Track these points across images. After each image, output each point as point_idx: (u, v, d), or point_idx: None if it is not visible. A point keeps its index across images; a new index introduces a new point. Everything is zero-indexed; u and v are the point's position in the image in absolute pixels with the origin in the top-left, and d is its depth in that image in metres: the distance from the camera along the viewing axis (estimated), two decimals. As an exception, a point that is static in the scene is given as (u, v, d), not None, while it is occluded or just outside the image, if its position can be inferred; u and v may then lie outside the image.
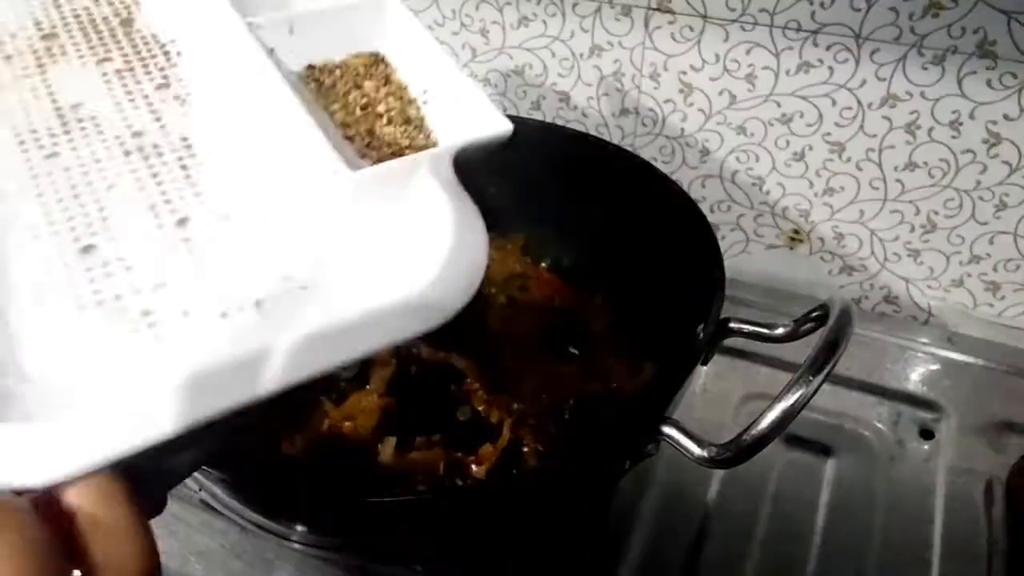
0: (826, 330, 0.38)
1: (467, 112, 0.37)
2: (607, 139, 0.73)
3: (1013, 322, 0.68)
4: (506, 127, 0.36)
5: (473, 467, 0.53)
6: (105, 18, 0.38)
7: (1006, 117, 0.58)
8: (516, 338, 0.60)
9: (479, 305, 0.62)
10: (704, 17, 0.63)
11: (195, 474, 0.42)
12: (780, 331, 0.45)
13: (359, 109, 0.37)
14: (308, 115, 0.34)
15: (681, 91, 0.68)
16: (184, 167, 0.35)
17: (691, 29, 0.64)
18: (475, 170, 0.64)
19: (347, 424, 0.53)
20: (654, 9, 0.64)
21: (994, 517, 0.55)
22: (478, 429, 0.55)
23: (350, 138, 0.36)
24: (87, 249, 0.32)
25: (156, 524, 0.54)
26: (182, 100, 0.36)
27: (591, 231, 0.64)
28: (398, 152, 0.36)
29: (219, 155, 0.35)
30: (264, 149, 0.35)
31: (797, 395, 0.36)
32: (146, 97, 0.36)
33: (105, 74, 0.36)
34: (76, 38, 0.37)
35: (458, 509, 0.41)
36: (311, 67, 0.39)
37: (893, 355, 0.67)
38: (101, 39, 0.38)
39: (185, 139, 0.35)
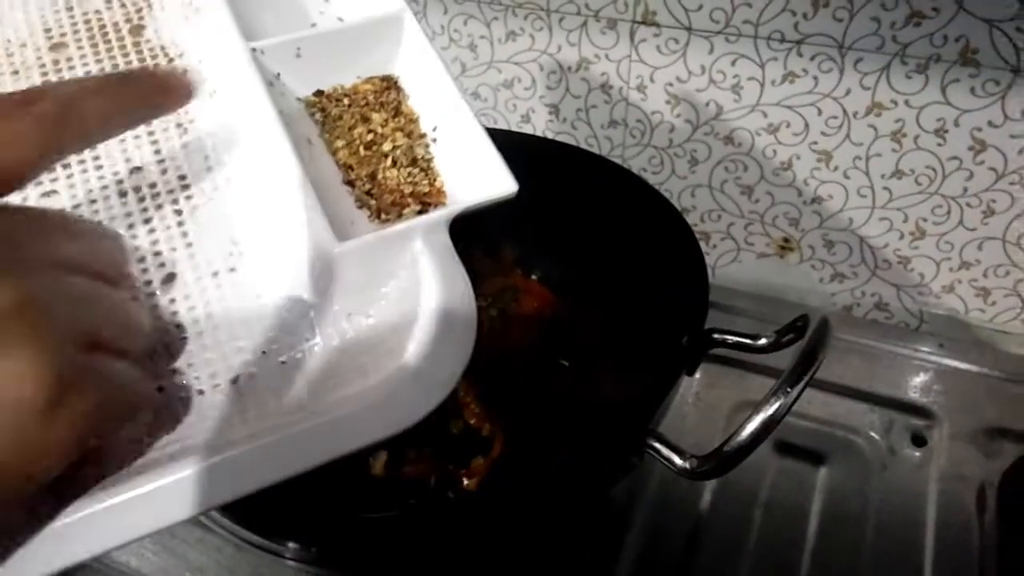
0: (804, 341, 0.38)
1: (473, 164, 0.35)
2: (597, 151, 0.74)
3: (1004, 327, 0.69)
4: (511, 189, 0.33)
5: (465, 480, 0.53)
6: (115, 23, 0.36)
7: (990, 124, 0.59)
8: (507, 350, 0.60)
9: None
10: (688, 29, 0.63)
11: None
12: (763, 341, 0.45)
13: (363, 148, 0.35)
14: (299, 165, 0.32)
15: (668, 102, 0.68)
16: (178, 211, 0.32)
17: (676, 41, 0.64)
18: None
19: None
20: (639, 22, 0.65)
21: (986, 523, 0.55)
22: (470, 442, 0.55)
23: (351, 182, 0.34)
24: None
25: (153, 541, 0.54)
26: (184, 129, 0.34)
27: (581, 243, 0.64)
28: (400, 201, 0.34)
29: (213, 199, 0.33)
30: (255, 199, 0.33)
31: (776, 405, 0.36)
32: (147, 126, 0.34)
33: None
34: (84, 49, 0.35)
35: (447, 522, 0.42)
36: (319, 93, 0.37)
37: (885, 362, 0.67)
38: (109, 49, 0.35)
39: (183, 178, 0.33)
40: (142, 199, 0.32)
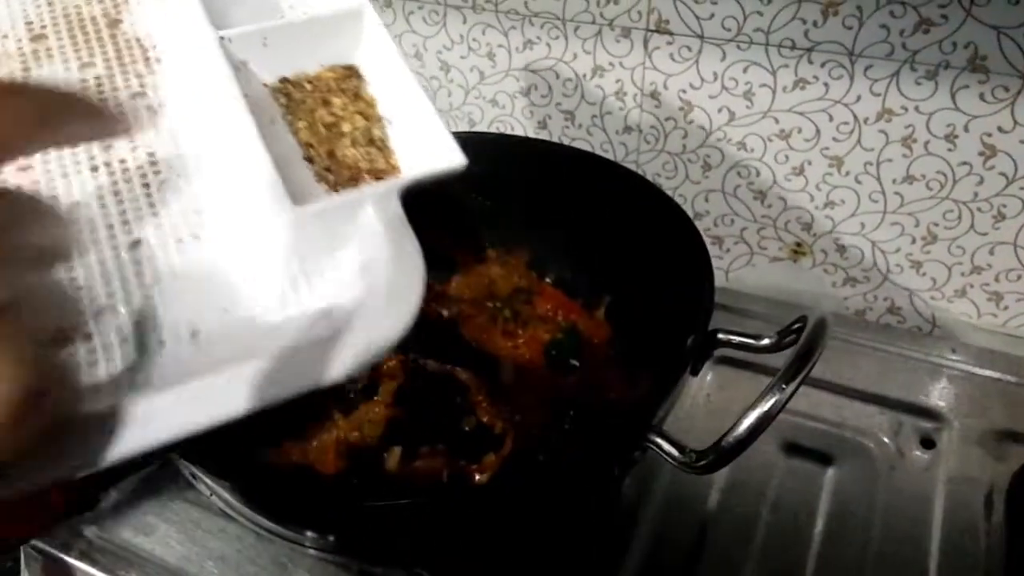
0: (801, 341, 0.39)
1: (425, 140, 0.38)
2: (612, 156, 0.75)
3: (1017, 332, 0.69)
4: (460, 162, 0.36)
5: (476, 476, 0.54)
6: (94, 17, 0.39)
7: (1000, 129, 0.59)
8: (519, 351, 0.62)
9: (484, 319, 0.64)
10: (701, 37, 0.65)
11: (208, 481, 0.44)
12: (766, 341, 0.46)
13: (324, 128, 0.38)
14: (260, 139, 0.34)
15: (681, 109, 0.69)
16: (146, 185, 0.35)
17: (689, 49, 0.66)
18: (482, 187, 0.67)
19: (355, 434, 0.55)
20: (652, 31, 0.66)
21: (993, 526, 0.56)
22: (482, 439, 0.57)
23: (310, 159, 0.37)
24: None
25: (174, 529, 0.57)
26: (154, 112, 0.36)
27: (593, 246, 0.65)
28: (356, 176, 0.36)
29: (180, 174, 0.35)
30: (219, 173, 0.35)
31: (772, 402, 0.37)
32: (119, 106, 0.36)
33: (84, 80, 0.37)
34: (63, 40, 0.38)
35: (458, 510, 0.43)
36: (284, 80, 0.39)
37: (896, 365, 0.67)
38: (87, 41, 0.38)
39: (151, 155, 0.35)
40: (112, 173, 0.35)
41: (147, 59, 0.38)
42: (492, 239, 0.70)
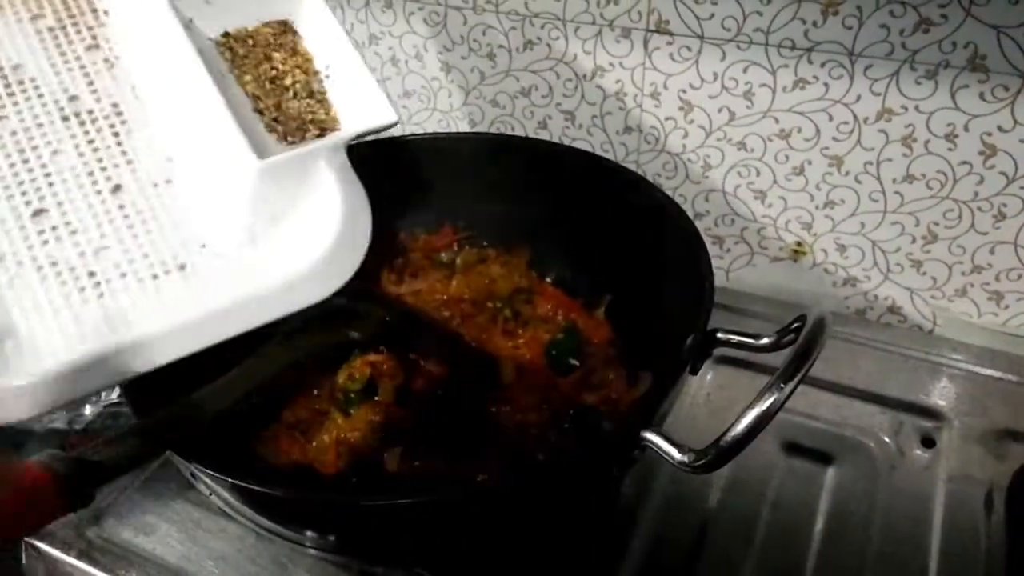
0: (799, 340, 0.39)
1: (361, 97, 0.41)
2: (612, 156, 0.75)
3: (1017, 331, 0.69)
4: (392, 118, 0.40)
5: (477, 476, 0.54)
6: None
7: (1000, 129, 0.59)
8: (519, 351, 0.62)
9: (485, 319, 0.64)
10: (701, 38, 0.65)
11: (208, 481, 0.44)
12: (765, 341, 0.46)
13: (268, 82, 0.41)
14: (221, 96, 0.38)
15: (681, 109, 0.70)
16: (116, 134, 0.39)
17: (689, 49, 0.66)
18: (487, 186, 0.67)
19: (355, 434, 0.55)
20: (652, 31, 0.66)
21: (993, 525, 0.56)
22: (482, 439, 0.57)
23: (260, 111, 0.40)
24: (38, 213, 0.37)
25: (175, 529, 0.57)
26: (111, 64, 0.39)
27: (593, 246, 0.65)
28: (302, 126, 0.40)
29: (145, 124, 0.39)
30: (183, 124, 0.39)
31: (770, 401, 0.37)
32: (78, 59, 0.39)
33: (39, 31, 0.39)
34: (16, 3, 0.40)
35: (456, 513, 0.43)
36: (227, 35, 0.42)
37: (897, 365, 0.68)
38: (40, 5, 0.40)
39: (116, 105, 0.39)
40: (83, 123, 0.38)
41: (95, 11, 0.40)
42: (492, 239, 0.70)
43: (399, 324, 0.56)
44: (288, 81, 0.41)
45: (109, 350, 0.35)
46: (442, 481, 0.53)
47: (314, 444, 0.55)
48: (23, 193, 0.37)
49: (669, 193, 0.61)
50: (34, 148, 0.37)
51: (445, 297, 0.66)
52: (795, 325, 0.43)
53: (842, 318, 0.73)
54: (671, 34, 0.66)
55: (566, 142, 0.77)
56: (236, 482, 0.41)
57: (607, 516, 0.58)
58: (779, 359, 0.40)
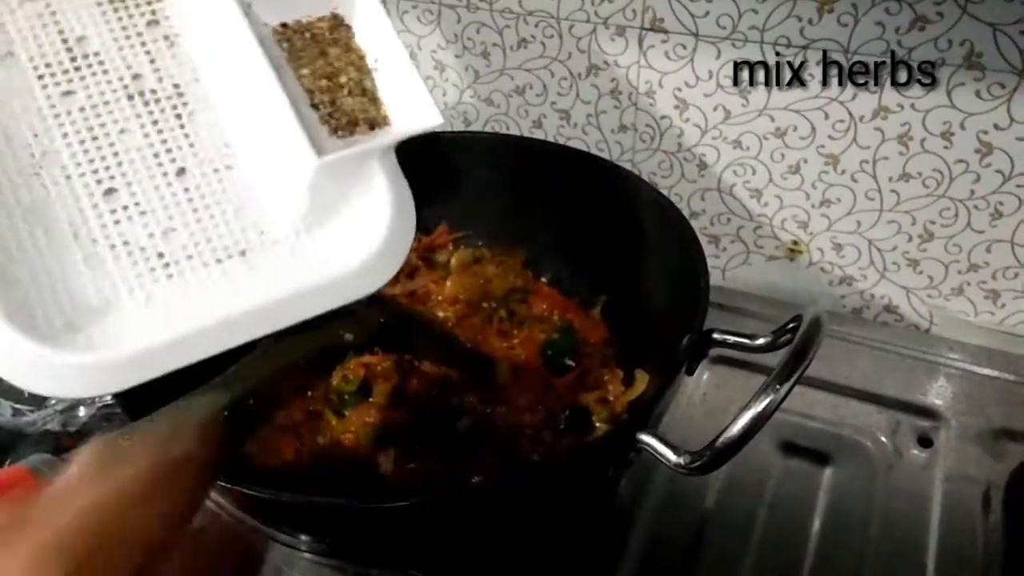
0: (795, 340, 0.39)
1: (408, 96, 0.42)
2: (607, 155, 0.75)
3: (1014, 330, 0.69)
4: (439, 120, 0.41)
5: (472, 477, 0.54)
6: None
7: (996, 127, 0.59)
8: (515, 351, 0.61)
9: (480, 319, 0.64)
10: (696, 35, 0.64)
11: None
12: (761, 341, 0.46)
13: (324, 79, 0.41)
14: (281, 88, 0.39)
15: (677, 107, 0.69)
16: (179, 116, 0.39)
17: (684, 47, 0.65)
18: (481, 186, 0.66)
19: (349, 436, 0.55)
20: (647, 29, 0.66)
21: (991, 525, 0.56)
22: (477, 440, 0.56)
23: (315, 105, 0.40)
24: (109, 192, 0.38)
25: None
26: (171, 42, 0.40)
27: (589, 245, 0.65)
28: (354, 122, 0.41)
29: (206, 108, 0.40)
30: (242, 111, 0.40)
31: (766, 402, 0.37)
32: (139, 35, 0.39)
33: (100, 4, 0.39)
34: None
35: (452, 515, 0.43)
36: (284, 26, 0.42)
37: (893, 364, 0.67)
38: None
39: (177, 87, 0.39)
40: (147, 103, 0.39)
41: None
42: (487, 239, 0.69)
43: (394, 325, 0.55)
44: (343, 79, 0.42)
45: (179, 333, 0.36)
46: (437, 482, 0.53)
47: (308, 446, 0.55)
48: (94, 171, 0.38)
49: (665, 192, 0.60)
50: (102, 126, 0.38)
51: (440, 297, 0.66)
52: (791, 325, 0.43)
53: (838, 317, 0.73)
54: (666, 32, 0.65)
55: (561, 141, 0.77)
56: (230, 486, 0.41)
57: (604, 517, 0.58)
58: (776, 359, 0.40)
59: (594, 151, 0.75)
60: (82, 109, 0.38)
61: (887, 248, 0.69)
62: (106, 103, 0.38)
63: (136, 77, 0.39)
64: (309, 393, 0.58)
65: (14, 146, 0.37)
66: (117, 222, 0.38)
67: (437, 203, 0.69)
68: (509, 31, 0.72)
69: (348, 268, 0.39)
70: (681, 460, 0.39)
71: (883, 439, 0.62)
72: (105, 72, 0.39)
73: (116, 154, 0.38)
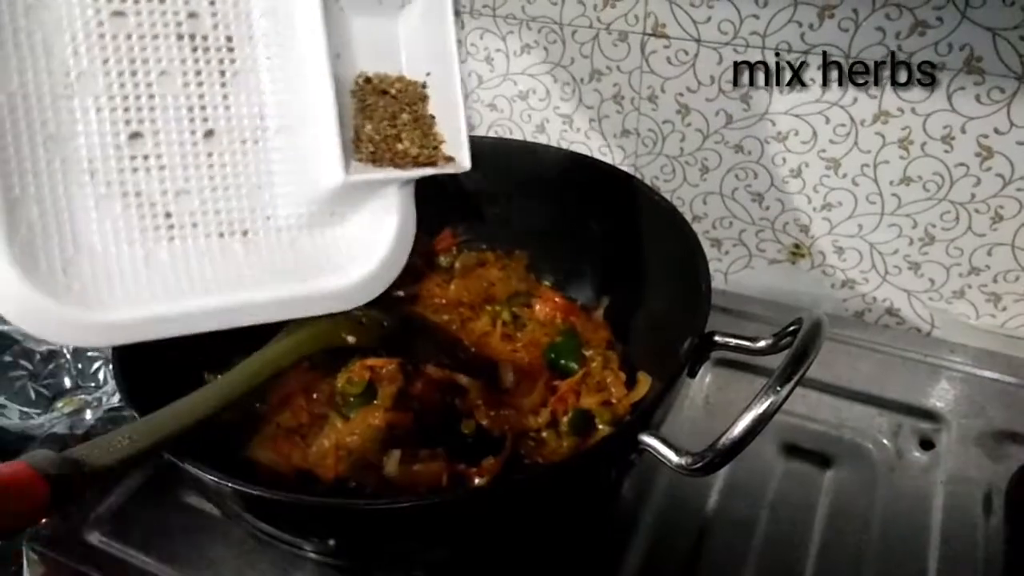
0: (796, 343, 0.39)
1: (448, 139, 0.42)
2: (610, 160, 0.76)
3: (1015, 332, 0.69)
4: (467, 167, 0.42)
5: (476, 479, 0.54)
6: None
7: (996, 131, 0.60)
8: (518, 354, 0.62)
9: (483, 322, 0.64)
10: (698, 41, 0.65)
11: (208, 486, 0.45)
12: (762, 344, 0.46)
13: (383, 139, 0.41)
14: (333, 94, 0.38)
15: (679, 112, 0.70)
16: (223, 72, 0.38)
17: (686, 53, 0.66)
18: (485, 190, 0.67)
19: (354, 438, 0.55)
20: (649, 35, 0.66)
21: (992, 527, 0.56)
22: (481, 442, 0.57)
23: (357, 144, 0.40)
24: (135, 136, 0.37)
25: (174, 534, 0.57)
26: None
27: (591, 249, 0.66)
28: (402, 156, 0.41)
29: (252, 71, 0.39)
30: (286, 89, 0.39)
31: (767, 404, 0.37)
32: None
33: None
34: None
35: (455, 516, 0.43)
36: (366, 80, 0.42)
37: (895, 367, 0.68)
38: None
39: (229, 39, 0.38)
40: (195, 48, 0.38)
41: None
42: (491, 243, 0.70)
43: (398, 328, 0.56)
44: (403, 143, 0.42)
45: (168, 304, 0.37)
46: (441, 485, 0.54)
47: (313, 449, 0.55)
48: (126, 109, 0.37)
49: (667, 196, 0.61)
50: (144, 61, 0.37)
51: (444, 301, 0.66)
52: (792, 328, 0.43)
53: (840, 320, 0.73)
54: (668, 37, 0.66)
55: (564, 145, 0.78)
56: (236, 487, 0.41)
57: (606, 518, 0.58)
58: (777, 361, 0.41)
59: (597, 155, 0.75)
60: (129, 36, 0.36)
61: (888, 251, 0.69)
62: (155, 36, 0.37)
63: (192, 16, 0.38)
64: (314, 396, 0.58)
65: (52, 61, 0.35)
66: (135, 170, 0.37)
67: (441, 207, 0.70)
68: (512, 37, 0.73)
69: (338, 280, 0.40)
70: (683, 461, 0.39)
71: (884, 441, 0.62)
72: (162, 2, 0.37)
73: (152, 96, 0.37)
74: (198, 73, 0.38)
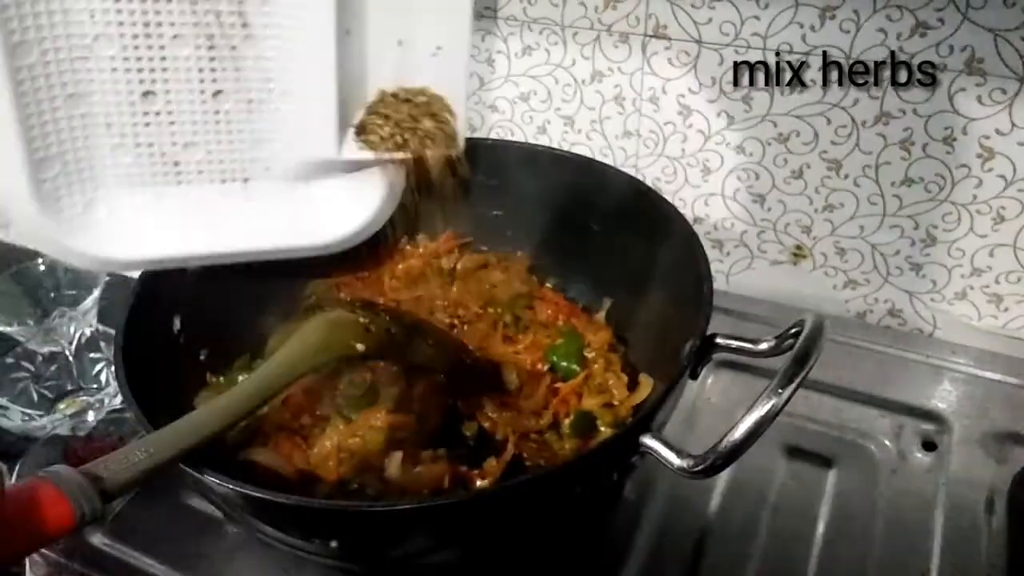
0: (797, 345, 0.39)
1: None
2: (611, 161, 0.76)
3: (1017, 334, 0.69)
4: (458, 150, 0.46)
5: (478, 481, 0.55)
6: None
7: (998, 132, 0.60)
8: (520, 356, 0.62)
9: (486, 325, 0.64)
10: (699, 42, 0.65)
11: (211, 488, 0.45)
12: (764, 346, 0.46)
13: (401, 129, 0.44)
14: (336, 83, 0.41)
15: (680, 113, 0.70)
16: (233, 36, 0.41)
17: (687, 54, 0.66)
18: (486, 192, 0.67)
19: (356, 440, 0.55)
20: (651, 36, 0.66)
21: (995, 528, 0.56)
22: (483, 444, 0.57)
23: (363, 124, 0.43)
24: (147, 95, 0.41)
25: (178, 537, 0.57)
26: None
27: (593, 250, 0.66)
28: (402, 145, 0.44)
29: (262, 39, 0.42)
30: (295, 63, 0.42)
31: (769, 406, 0.37)
32: None
33: None
34: None
35: (457, 518, 0.43)
36: (383, 94, 0.44)
37: (897, 368, 0.68)
38: None
39: (242, 5, 0.41)
40: (207, 12, 0.41)
41: None
42: (492, 245, 0.70)
43: (404, 336, 0.56)
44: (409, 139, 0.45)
45: (175, 230, 0.43)
46: (443, 487, 0.54)
47: (315, 450, 0.55)
48: (139, 70, 0.41)
49: (668, 197, 0.61)
50: (159, 24, 0.40)
51: (446, 303, 0.66)
52: (794, 330, 0.43)
53: (842, 321, 0.73)
54: (669, 39, 0.66)
55: (565, 147, 0.77)
56: (240, 489, 0.41)
57: (609, 520, 0.58)
58: (779, 363, 0.41)
59: (598, 157, 0.75)
60: (143, 4, 0.39)
61: (890, 252, 0.69)
62: (168, 0, 0.40)
63: None
64: (316, 397, 0.58)
65: (69, 22, 0.39)
66: (147, 124, 0.42)
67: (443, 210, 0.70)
68: (514, 38, 0.73)
69: (322, 231, 0.45)
70: (685, 463, 0.39)
71: (887, 443, 0.62)
72: None
73: (164, 59, 0.40)
74: (210, 36, 0.41)
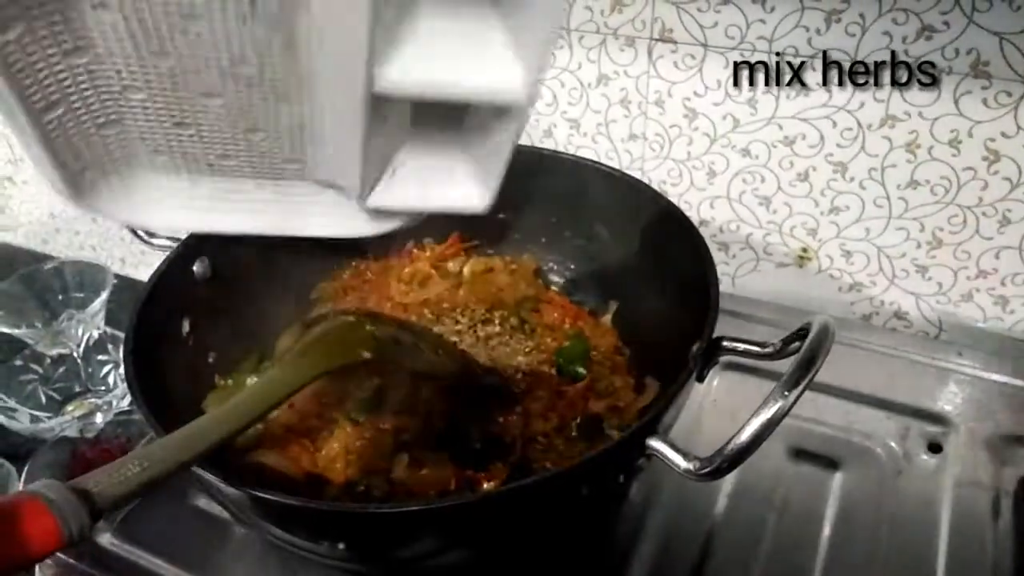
0: (804, 348, 0.40)
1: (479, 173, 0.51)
2: (617, 164, 0.76)
3: (1023, 335, 0.69)
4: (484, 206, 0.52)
5: (484, 484, 0.55)
6: None
7: (1004, 135, 0.60)
8: (526, 359, 0.62)
9: (492, 328, 0.65)
10: (704, 46, 0.65)
11: (218, 489, 0.45)
12: (770, 348, 0.47)
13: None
14: (362, 152, 0.44)
15: (686, 116, 0.70)
16: (267, 95, 0.44)
17: (693, 57, 0.66)
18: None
19: (363, 442, 0.56)
20: (656, 39, 0.67)
21: (1001, 531, 0.56)
22: (489, 447, 0.57)
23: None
24: (180, 124, 0.46)
25: (185, 537, 0.57)
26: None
27: (599, 253, 0.66)
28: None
29: (298, 107, 0.45)
30: (327, 113, 0.45)
31: (776, 408, 0.37)
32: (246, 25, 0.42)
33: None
34: None
35: (464, 520, 0.44)
36: None
37: (903, 370, 0.68)
38: None
39: (274, 81, 0.44)
40: (238, 79, 0.43)
41: None
42: (499, 248, 0.70)
43: (410, 343, 0.56)
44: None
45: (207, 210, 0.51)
46: (449, 489, 0.54)
47: (322, 452, 0.56)
48: (171, 113, 0.45)
49: (674, 200, 0.61)
50: (186, 84, 0.43)
51: (452, 306, 0.66)
52: (800, 332, 0.43)
53: (848, 324, 0.73)
54: (675, 42, 0.66)
55: (571, 150, 0.78)
56: (248, 492, 0.42)
57: (614, 523, 0.58)
58: (785, 365, 0.41)
59: (604, 160, 0.75)
60: (171, 69, 0.42)
61: (896, 255, 0.69)
62: (197, 72, 0.43)
63: (237, 60, 0.42)
64: (323, 400, 0.59)
65: (97, 83, 0.42)
66: (181, 142, 0.46)
67: (443, 214, 0.70)
68: (519, 42, 0.73)
69: (330, 226, 0.53)
70: (691, 466, 0.39)
71: (893, 445, 0.62)
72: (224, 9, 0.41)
73: (194, 107, 0.44)
74: (240, 94, 0.44)
